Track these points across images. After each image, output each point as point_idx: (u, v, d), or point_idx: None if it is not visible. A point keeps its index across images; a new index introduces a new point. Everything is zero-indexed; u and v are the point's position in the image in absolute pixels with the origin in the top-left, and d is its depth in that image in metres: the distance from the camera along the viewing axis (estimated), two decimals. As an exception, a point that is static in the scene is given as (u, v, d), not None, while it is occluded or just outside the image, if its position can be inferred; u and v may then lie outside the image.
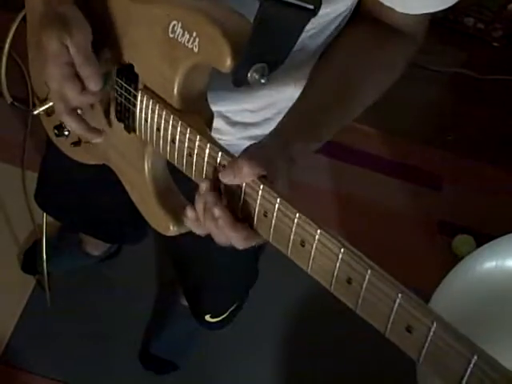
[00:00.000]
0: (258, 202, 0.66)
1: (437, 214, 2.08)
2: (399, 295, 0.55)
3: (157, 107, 0.76)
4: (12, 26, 0.95)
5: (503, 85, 2.45)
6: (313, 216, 0.62)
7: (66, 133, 0.93)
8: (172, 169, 0.83)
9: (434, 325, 0.53)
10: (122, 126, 0.84)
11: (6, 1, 1.54)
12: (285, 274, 1.76)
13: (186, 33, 0.70)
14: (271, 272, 1.58)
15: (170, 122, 0.74)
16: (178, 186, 0.85)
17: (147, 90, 0.78)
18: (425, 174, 2.18)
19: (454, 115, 2.38)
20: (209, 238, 0.72)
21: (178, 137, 0.74)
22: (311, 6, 0.66)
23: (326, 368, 1.74)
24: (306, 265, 0.64)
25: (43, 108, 0.90)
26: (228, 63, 0.67)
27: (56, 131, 0.94)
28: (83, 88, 0.78)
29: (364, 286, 0.58)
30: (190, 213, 0.72)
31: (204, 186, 0.70)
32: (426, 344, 0.54)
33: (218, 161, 0.69)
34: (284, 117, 0.79)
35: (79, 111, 0.82)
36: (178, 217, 0.82)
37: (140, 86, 0.79)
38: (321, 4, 0.67)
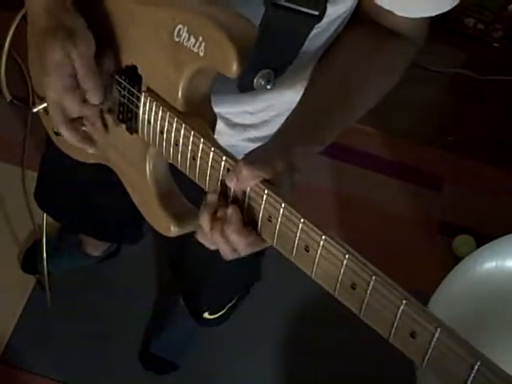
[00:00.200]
0: (263, 206, 0.66)
1: (437, 215, 2.08)
2: (403, 302, 0.55)
3: (160, 110, 0.76)
4: (12, 25, 0.95)
5: (503, 85, 2.45)
6: (314, 217, 0.62)
7: None
8: (173, 170, 0.84)
9: (438, 331, 0.53)
10: (124, 126, 0.84)
11: (6, 0, 1.54)
12: (285, 275, 1.76)
13: (191, 37, 0.70)
14: (271, 272, 1.58)
15: (174, 125, 0.74)
16: (179, 188, 0.85)
17: (151, 92, 0.78)
18: (425, 175, 2.18)
19: (454, 115, 2.38)
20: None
21: (181, 140, 0.74)
22: (316, 12, 0.67)
23: (326, 370, 1.73)
24: (310, 270, 0.64)
25: (43, 106, 0.90)
26: (234, 68, 0.67)
27: (56, 130, 0.94)
28: (83, 100, 0.78)
29: (368, 292, 0.58)
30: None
31: (211, 197, 0.69)
32: (430, 350, 0.54)
33: (222, 165, 0.69)
34: (286, 120, 0.79)
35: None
36: (179, 218, 0.82)
37: (143, 87, 0.79)
38: (325, 10, 0.67)
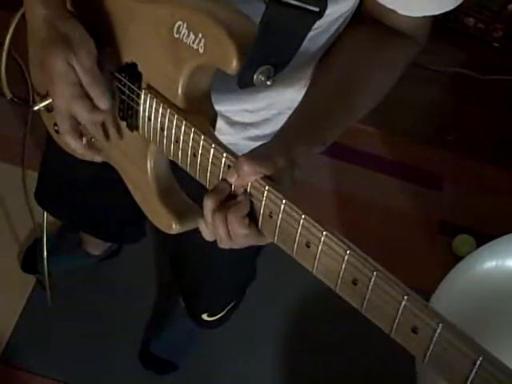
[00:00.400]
0: (263, 202, 0.66)
1: (437, 214, 2.08)
2: (405, 297, 0.55)
3: (161, 107, 0.76)
4: (11, 24, 0.95)
5: (503, 85, 2.45)
6: (316, 216, 0.62)
7: None
8: (173, 167, 0.84)
9: (440, 326, 0.53)
10: (125, 124, 0.84)
11: (6, 0, 1.54)
12: (284, 273, 1.77)
13: (191, 33, 0.70)
14: (270, 271, 1.58)
15: (174, 122, 0.74)
16: (179, 185, 0.86)
17: (151, 89, 0.78)
18: (425, 174, 2.18)
19: (454, 115, 2.38)
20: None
21: (182, 137, 0.74)
22: (317, 9, 0.67)
23: (326, 367, 1.73)
24: (312, 265, 0.64)
25: (43, 104, 0.90)
26: (234, 65, 0.67)
27: (57, 128, 0.94)
28: (93, 106, 0.79)
29: (370, 287, 0.58)
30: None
31: (222, 184, 0.69)
32: (432, 345, 0.54)
33: (223, 161, 0.69)
34: (287, 120, 0.79)
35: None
36: (180, 215, 0.82)
37: (143, 84, 0.79)
38: (326, 6, 0.67)
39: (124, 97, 0.83)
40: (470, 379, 0.51)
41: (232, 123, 0.97)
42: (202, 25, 0.69)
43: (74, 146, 0.85)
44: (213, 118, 0.77)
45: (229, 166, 0.69)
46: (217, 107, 0.79)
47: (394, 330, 0.57)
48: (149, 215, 0.86)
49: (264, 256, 1.37)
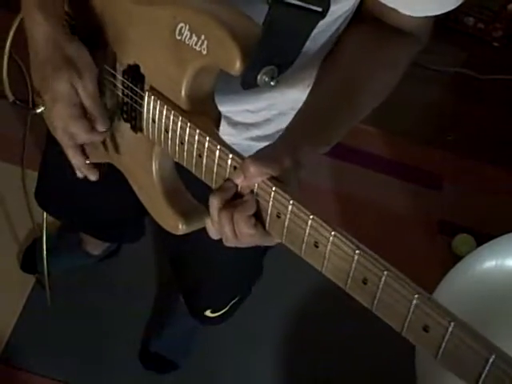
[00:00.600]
0: (271, 203, 0.66)
1: (437, 214, 2.08)
2: (416, 296, 0.55)
3: (164, 108, 0.76)
4: (12, 26, 0.95)
5: (503, 84, 2.45)
6: (323, 216, 0.62)
7: None
8: (178, 168, 0.84)
9: (452, 325, 0.53)
10: (129, 125, 0.85)
11: (7, 1, 1.54)
12: (286, 272, 1.77)
13: (193, 35, 0.70)
14: (273, 270, 1.58)
15: (179, 124, 0.74)
16: (185, 186, 0.86)
17: (154, 91, 0.78)
18: (425, 174, 2.18)
19: (454, 115, 2.38)
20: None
21: (186, 138, 0.74)
22: (320, 9, 0.67)
23: (328, 367, 1.74)
24: (321, 265, 0.64)
25: (44, 108, 0.90)
26: (237, 66, 0.67)
27: None
28: (91, 127, 0.81)
29: (380, 286, 0.58)
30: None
31: (227, 183, 0.70)
32: (443, 343, 0.54)
33: (229, 163, 0.69)
34: (292, 121, 0.80)
35: None
36: (186, 216, 0.82)
37: (146, 86, 0.79)
38: (329, 6, 0.67)
39: (127, 99, 0.83)
40: (482, 376, 0.52)
41: (234, 124, 0.97)
42: (204, 26, 0.69)
43: (75, 161, 0.87)
44: (217, 118, 0.77)
45: (235, 167, 0.69)
46: (218, 108, 0.79)
47: (405, 328, 0.57)
48: (155, 216, 0.86)
49: (267, 255, 1.37)
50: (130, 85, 0.81)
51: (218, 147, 0.70)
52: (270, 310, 1.78)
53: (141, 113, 0.80)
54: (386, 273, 0.57)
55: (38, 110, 0.87)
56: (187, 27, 0.71)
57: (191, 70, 0.72)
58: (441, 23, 2.45)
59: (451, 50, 2.51)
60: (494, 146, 2.31)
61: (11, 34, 0.95)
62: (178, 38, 0.72)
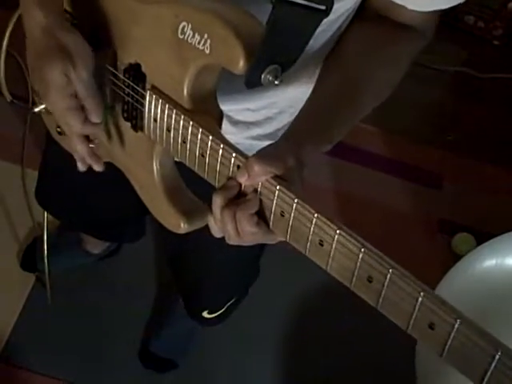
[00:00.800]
0: (275, 202, 0.66)
1: (437, 213, 2.08)
2: (421, 294, 0.55)
3: (166, 107, 0.76)
4: (9, 24, 0.95)
5: (503, 83, 2.45)
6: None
7: None
8: (178, 166, 0.84)
9: (458, 322, 0.53)
10: (129, 124, 0.84)
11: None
12: (285, 273, 1.77)
13: (196, 34, 0.70)
14: (270, 271, 1.58)
15: (181, 123, 0.74)
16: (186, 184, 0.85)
17: (155, 90, 0.78)
18: (425, 173, 2.18)
19: (454, 114, 2.38)
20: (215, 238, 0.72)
21: (189, 137, 0.74)
22: (323, 7, 0.67)
23: (326, 367, 1.74)
24: (325, 263, 0.64)
25: (44, 106, 0.89)
26: (241, 65, 0.67)
27: (59, 129, 0.94)
28: (86, 119, 0.80)
29: (385, 284, 0.58)
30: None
31: (231, 182, 0.70)
32: (449, 341, 0.54)
33: (232, 161, 0.69)
34: (294, 119, 0.80)
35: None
36: (188, 214, 0.82)
37: (148, 85, 0.79)
38: (333, 4, 0.67)
39: (128, 98, 0.82)
40: (488, 373, 0.52)
41: (235, 122, 0.97)
42: (207, 25, 0.69)
43: (80, 148, 0.85)
44: (219, 117, 0.77)
45: (238, 166, 0.69)
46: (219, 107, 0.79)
47: (410, 326, 0.58)
48: (156, 215, 0.86)
49: (264, 255, 1.37)
50: (131, 84, 0.81)
51: (221, 146, 0.70)
52: (268, 310, 1.78)
53: (142, 112, 0.80)
54: (391, 271, 0.57)
55: (37, 109, 0.87)
56: (189, 26, 0.70)
57: (193, 69, 0.72)
58: (441, 22, 2.45)
59: (451, 49, 2.51)
60: (494, 145, 2.31)
61: (8, 32, 0.95)
62: (181, 36, 0.72)
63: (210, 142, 0.71)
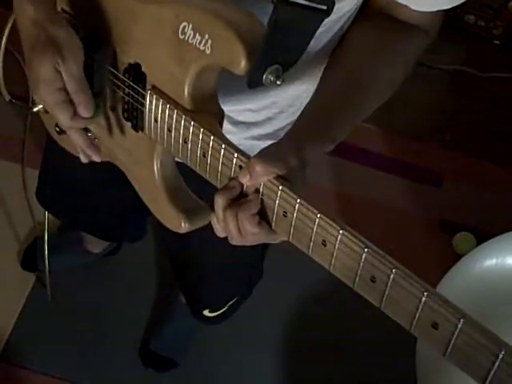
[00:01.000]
0: (277, 202, 0.66)
1: (437, 212, 2.08)
2: (425, 294, 0.56)
3: (167, 107, 0.76)
4: (8, 23, 0.94)
5: (504, 82, 2.45)
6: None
7: None
8: (178, 165, 0.83)
9: (461, 322, 0.53)
10: (130, 124, 0.84)
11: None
12: (285, 273, 1.77)
13: (197, 34, 0.70)
14: (272, 270, 1.58)
15: (182, 123, 0.74)
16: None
17: (156, 90, 0.77)
18: (425, 172, 2.18)
19: (454, 112, 2.38)
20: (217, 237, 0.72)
21: (190, 137, 0.74)
22: (324, 7, 0.66)
23: (327, 367, 1.73)
24: (328, 264, 0.64)
25: (42, 105, 0.89)
26: (242, 65, 0.67)
27: (58, 129, 0.94)
28: (74, 113, 0.79)
29: (389, 284, 0.58)
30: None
31: (233, 183, 0.70)
32: (453, 340, 0.54)
33: (234, 162, 0.69)
34: (297, 119, 0.79)
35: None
36: (189, 214, 0.82)
37: (148, 85, 0.79)
38: (334, 4, 0.67)
39: (128, 98, 0.82)
40: (491, 373, 0.52)
41: (235, 123, 0.96)
42: (208, 26, 0.69)
43: (76, 138, 0.84)
44: (220, 117, 0.77)
45: (240, 167, 0.69)
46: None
47: (413, 326, 0.58)
48: (157, 215, 0.86)
49: (267, 255, 1.37)
50: (131, 84, 0.80)
51: (223, 146, 0.70)
52: (268, 311, 1.78)
53: (142, 112, 0.80)
54: (394, 270, 0.57)
55: (35, 109, 0.87)
56: (190, 26, 0.70)
57: (194, 70, 0.72)
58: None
59: (452, 48, 2.50)
60: (495, 144, 2.30)
61: (6, 31, 0.95)
62: (181, 37, 0.71)
63: (211, 142, 0.71)
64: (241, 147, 0.71)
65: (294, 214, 0.65)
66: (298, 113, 0.81)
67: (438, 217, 2.06)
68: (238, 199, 0.68)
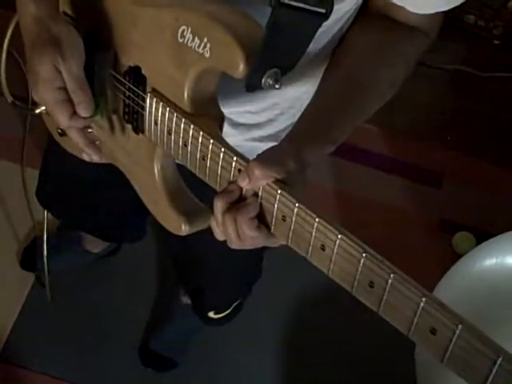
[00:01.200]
0: (276, 206, 0.66)
1: (437, 212, 2.08)
2: (423, 299, 0.55)
3: (167, 111, 0.76)
4: (10, 24, 0.94)
5: (504, 82, 2.45)
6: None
7: None
8: (178, 168, 0.83)
9: (459, 328, 0.53)
10: (130, 127, 0.84)
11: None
12: (286, 273, 1.77)
13: (196, 38, 0.70)
14: (272, 271, 1.58)
15: (182, 126, 0.74)
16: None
17: (156, 93, 0.77)
18: (425, 172, 2.18)
19: (454, 112, 2.38)
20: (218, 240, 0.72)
21: (190, 140, 0.74)
22: (323, 10, 0.66)
23: (326, 367, 1.73)
24: (327, 268, 0.64)
25: (44, 107, 0.89)
26: (241, 69, 0.67)
27: (60, 130, 0.93)
28: (73, 112, 0.78)
29: (387, 290, 0.58)
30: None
31: (232, 186, 0.69)
32: (451, 346, 0.54)
33: (233, 165, 0.69)
34: (297, 121, 0.79)
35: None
36: (189, 216, 0.82)
37: (148, 88, 0.79)
38: (332, 7, 0.66)
39: (129, 100, 0.82)
40: (489, 379, 0.52)
41: (235, 125, 0.96)
42: (207, 29, 0.69)
43: (75, 137, 0.84)
44: (220, 120, 0.77)
45: (239, 170, 0.69)
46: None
47: (411, 331, 0.57)
48: (157, 217, 0.86)
49: (266, 255, 1.37)
50: (132, 86, 0.80)
51: (223, 150, 0.70)
52: (268, 311, 1.78)
53: (142, 115, 0.80)
54: (392, 276, 0.57)
55: (37, 110, 0.87)
56: (189, 30, 0.70)
57: (194, 73, 0.72)
58: (441, 20, 2.45)
59: (451, 48, 2.50)
60: (495, 144, 2.30)
61: (9, 33, 0.95)
62: (181, 40, 0.71)
63: (211, 146, 0.71)
64: (242, 149, 0.71)
65: (293, 218, 0.64)
66: (299, 114, 0.81)
67: (437, 216, 2.06)
68: (237, 203, 0.68)
